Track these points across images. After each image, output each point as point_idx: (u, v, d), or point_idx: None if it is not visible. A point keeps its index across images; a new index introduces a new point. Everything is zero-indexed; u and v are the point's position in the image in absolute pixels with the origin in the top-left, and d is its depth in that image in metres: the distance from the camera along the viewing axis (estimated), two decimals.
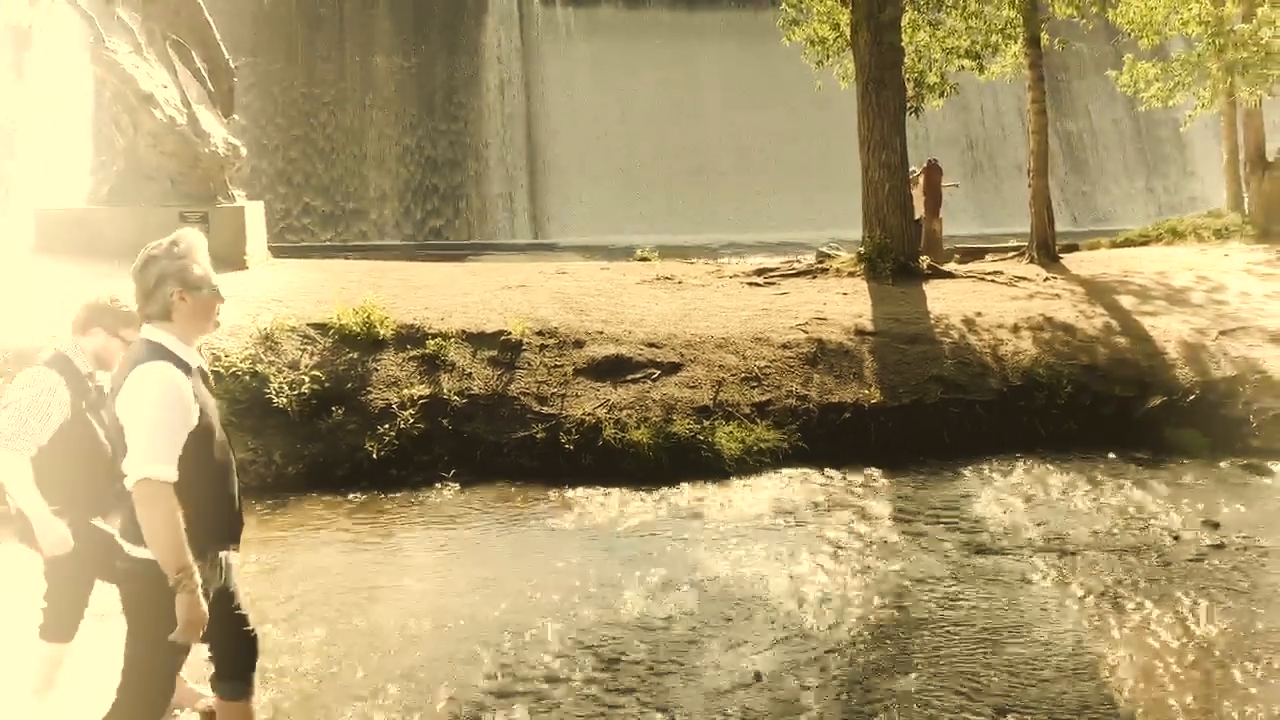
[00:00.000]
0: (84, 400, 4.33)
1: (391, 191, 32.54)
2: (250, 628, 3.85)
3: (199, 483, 3.43)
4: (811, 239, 22.96)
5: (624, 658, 5.19)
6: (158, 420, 3.30)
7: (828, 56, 14.84)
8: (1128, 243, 18.22)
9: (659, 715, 4.65)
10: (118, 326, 4.39)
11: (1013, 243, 18.79)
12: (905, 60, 13.56)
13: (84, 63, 12.60)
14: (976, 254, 18.49)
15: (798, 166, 32.80)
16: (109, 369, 4.44)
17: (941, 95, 15.11)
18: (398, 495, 7.78)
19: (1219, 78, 15.57)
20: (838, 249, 16.63)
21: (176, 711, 4.61)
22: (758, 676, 5.00)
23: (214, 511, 3.53)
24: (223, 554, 3.63)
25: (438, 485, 7.93)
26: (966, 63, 14.90)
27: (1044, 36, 14.91)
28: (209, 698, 4.61)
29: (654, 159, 33.96)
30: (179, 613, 3.31)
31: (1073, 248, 16.97)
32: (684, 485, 7.96)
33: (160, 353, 3.41)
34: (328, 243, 29.44)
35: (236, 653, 3.84)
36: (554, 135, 34.19)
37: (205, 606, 3.38)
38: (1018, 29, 14.59)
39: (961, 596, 5.97)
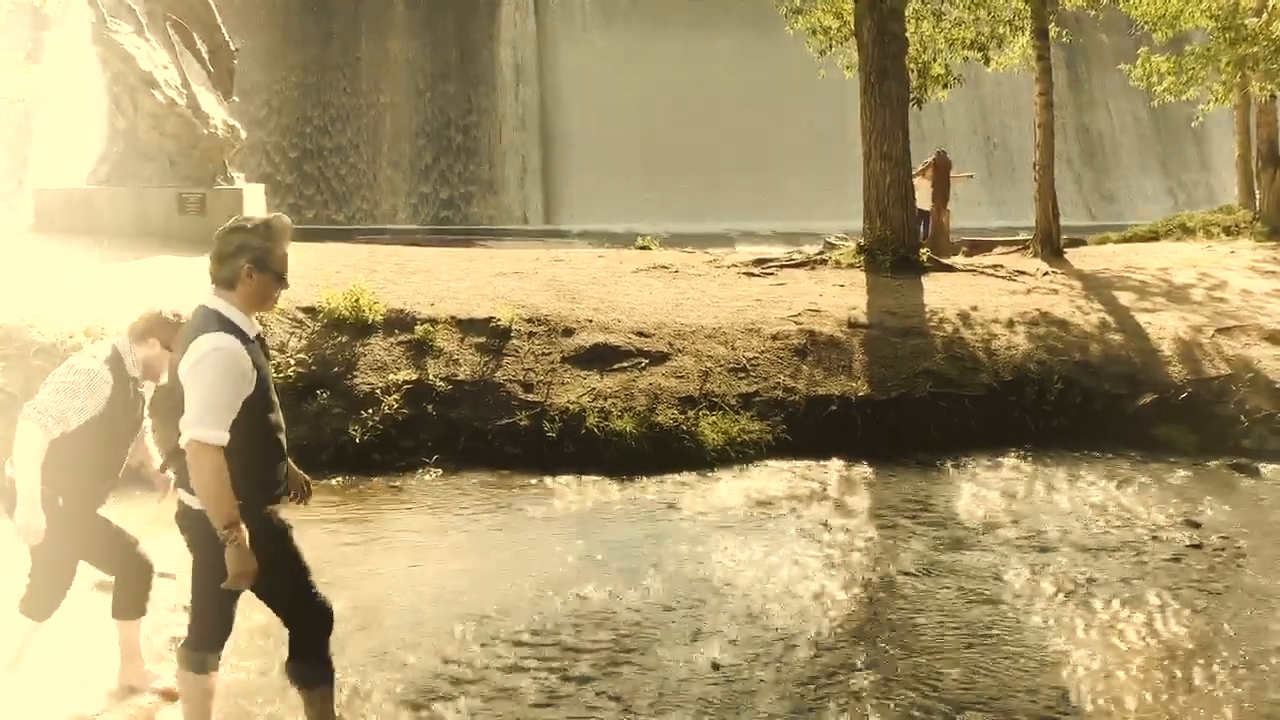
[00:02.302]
0: (121, 401, 4.35)
1: (403, 176, 32.58)
2: (322, 598, 3.93)
3: (255, 443, 3.63)
4: (827, 228, 22.79)
5: (585, 646, 5.20)
6: (214, 387, 3.49)
7: (831, 46, 14.73)
8: (1135, 238, 18.06)
9: (613, 704, 4.66)
10: (173, 341, 4.39)
11: (1023, 236, 18.65)
12: (909, 50, 13.44)
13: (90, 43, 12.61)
14: (985, 246, 18.40)
15: (813, 155, 32.60)
16: (155, 380, 4.49)
17: (945, 86, 14.98)
18: (380, 480, 7.80)
19: (1230, 72, 15.38)
20: (845, 239, 16.55)
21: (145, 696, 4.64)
22: (715, 667, 5.00)
23: (268, 470, 3.74)
24: (276, 508, 3.81)
25: (420, 471, 7.94)
26: (972, 54, 14.77)
27: (1053, 28, 14.77)
28: (163, 678, 4.65)
29: (668, 146, 33.83)
30: (229, 564, 3.53)
31: (1078, 242, 16.85)
32: (665, 475, 7.95)
33: (222, 323, 3.60)
34: (338, 226, 29.48)
35: (306, 623, 3.89)
36: (567, 121, 34.12)
37: (254, 559, 3.57)
38: (1025, 20, 14.45)
39: (930, 592, 5.95)
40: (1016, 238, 18.89)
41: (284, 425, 3.85)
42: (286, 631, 3.96)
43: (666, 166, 33.43)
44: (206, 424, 3.46)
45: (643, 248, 14.87)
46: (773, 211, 31.62)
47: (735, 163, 33.78)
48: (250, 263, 3.62)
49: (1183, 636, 5.41)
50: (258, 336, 3.73)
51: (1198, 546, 6.67)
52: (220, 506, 3.49)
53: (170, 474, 4.74)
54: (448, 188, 32.76)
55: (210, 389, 3.48)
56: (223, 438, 3.48)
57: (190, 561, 3.80)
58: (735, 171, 33.59)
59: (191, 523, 3.70)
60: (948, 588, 6.00)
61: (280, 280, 3.73)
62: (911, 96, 13.54)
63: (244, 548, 3.53)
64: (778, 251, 15.51)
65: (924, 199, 17.26)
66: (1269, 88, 15.57)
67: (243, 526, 3.53)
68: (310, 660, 3.90)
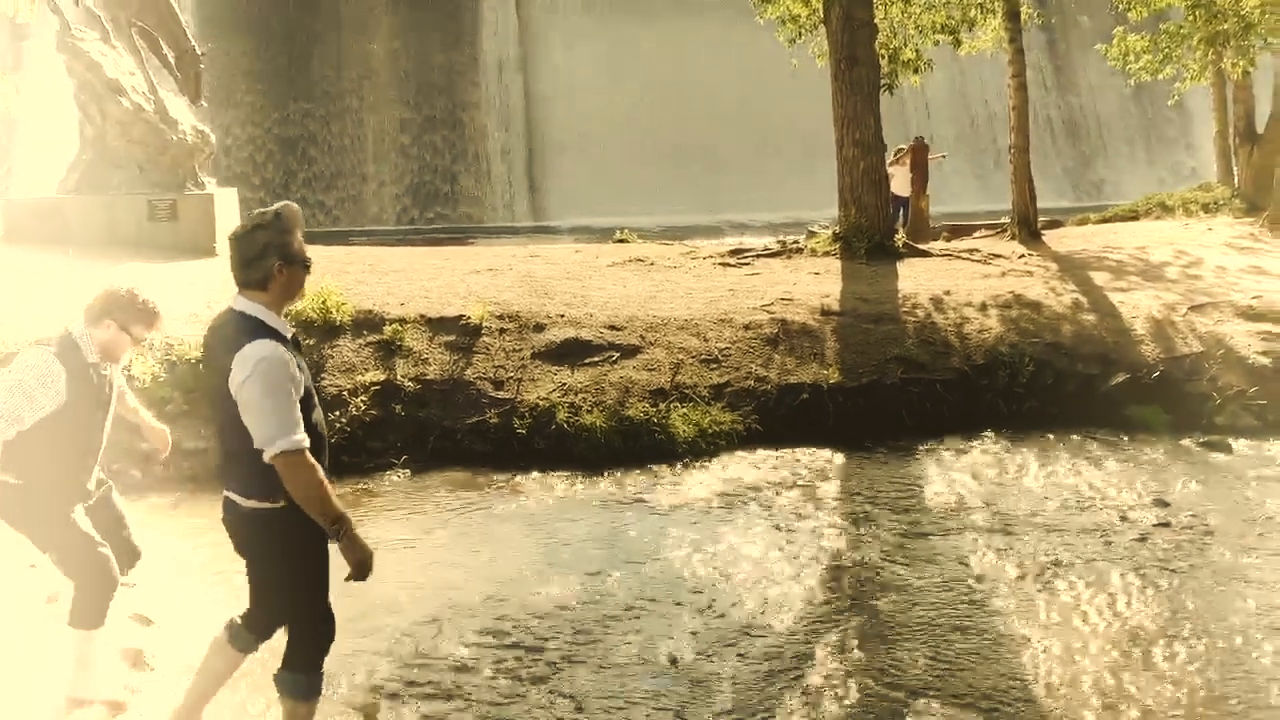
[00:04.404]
0: (83, 389, 4.24)
1: (389, 176, 32.48)
2: (331, 613, 3.91)
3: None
4: (816, 218, 22.80)
5: (543, 646, 5.16)
6: (274, 397, 3.47)
7: (800, 34, 14.68)
8: (1116, 218, 18.06)
9: (565, 703, 4.63)
10: (130, 322, 4.29)
11: (1005, 220, 18.62)
12: (879, 36, 13.40)
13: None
14: (966, 231, 18.41)
15: (802, 144, 32.51)
16: (115, 361, 4.40)
17: (917, 72, 14.94)
18: (348, 482, 7.74)
19: (1203, 49, 15.36)
20: (828, 227, 16.50)
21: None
22: (673, 663, 4.97)
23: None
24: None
25: (388, 472, 7.90)
26: (943, 38, 14.73)
27: (1025, 10, 14.74)
28: (114, 689, 4.61)
29: (656, 139, 33.73)
30: (346, 559, 3.60)
31: (1056, 224, 16.84)
32: (635, 469, 7.92)
33: (260, 329, 3.57)
34: (324, 229, 29.38)
35: (310, 634, 3.86)
36: (553, 116, 34.02)
37: (367, 546, 3.63)
38: (997, 2, 14.41)
39: (895, 579, 5.92)
40: (997, 221, 18.88)
41: (324, 423, 3.85)
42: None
43: (656, 159, 33.34)
44: (285, 432, 3.47)
45: (620, 241, 14.84)
46: (765, 202, 31.54)
47: (724, 153, 33.70)
48: (279, 259, 3.59)
49: (1146, 616, 5.39)
50: (293, 336, 3.73)
51: (1166, 525, 6.66)
52: (324, 506, 3.53)
53: (168, 430, 4.75)
54: (433, 188, 32.67)
55: (272, 400, 3.47)
56: (303, 441, 3.49)
57: (247, 565, 3.82)
58: (726, 163, 33.51)
59: (238, 521, 3.71)
60: (913, 574, 5.98)
61: (307, 268, 3.71)
62: (882, 83, 13.50)
63: (355, 539, 3.57)
64: (751, 242, 15.47)
65: (902, 185, 17.25)
66: (1241, 64, 15.55)
67: (349, 519, 3.58)
68: (304, 673, 3.87)
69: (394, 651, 5.08)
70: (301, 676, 3.86)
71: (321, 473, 3.55)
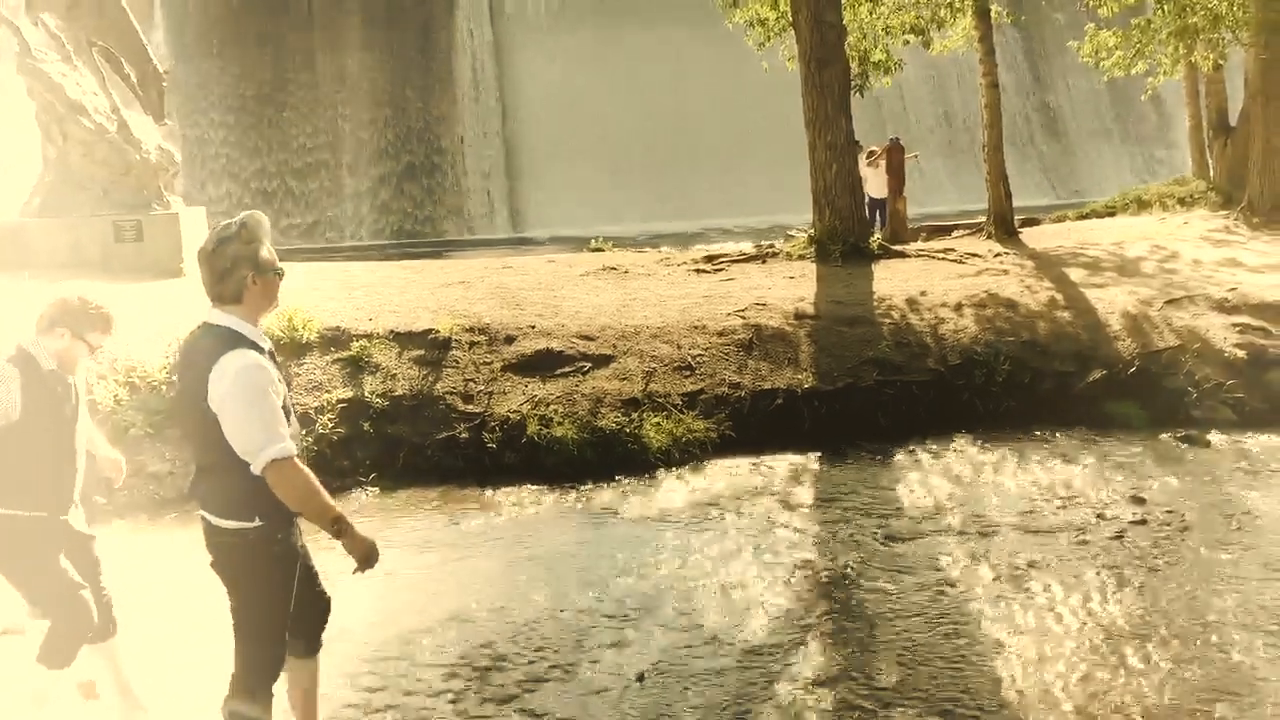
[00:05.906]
0: (43, 398, 4.12)
1: (366, 191, 32.36)
2: (284, 644, 3.85)
3: None
4: (796, 222, 22.72)
5: (508, 664, 5.04)
6: (261, 405, 3.42)
7: (769, 38, 14.62)
8: (1093, 214, 18.06)
9: None
10: (83, 329, 4.19)
11: (983, 219, 18.56)
12: (849, 38, 13.34)
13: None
14: (945, 231, 18.34)
15: (782, 148, 32.35)
16: (71, 371, 4.28)
17: (888, 73, 14.90)
18: None
19: (1173, 44, 15.37)
20: (805, 230, 16.39)
21: None
22: (640, 678, 4.85)
23: None
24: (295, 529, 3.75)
25: (356, 491, 7.78)
26: (912, 38, 14.68)
27: (995, 9, 14.71)
28: None
29: (634, 147, 33.68)
30: (352, 555, 3.55)
31: (1034, 221, 16.81)
32: (607, 480, 7.81)
33: (237, 339, 3.51)
34: (301, 246, 29.20)
35: (257, 661, 3.77)
36: (530, 128, 33.96)
37: (368, 541, 3.59)
38: (966, 2, 14.37)
39: (867, 586, 5.82)
40: (975, 221, 18.83)
41: (300, 436, 3.76)
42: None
43: (635, 167, 33.29)
44: (272, 441, 3.40)
45: (595, 250, 14.74)
46: (746, 208, 31.50)
47: (703, 160, 33.66)
48: (251, 269, 3.53)
49: (1121, 617, 5.30)
50: (269, 351, 3.63)
51: (1141, 523, 6.58)
52: (322, 508, 3.48)
53: (122, 458, 4.67)
54: (412, 206, 32.54)
55: (255, 409, 3.40)
56: (291, 448, 3.45)
57: (229, 595, 3.69)
58: (703, 169, 33.47)
59: (220, 543, 3.61)
60: (886, 580, 5.88)
61: (280, 275, 3.65)
62: (853, 84, 13.43)
63: (356, 534, 3.54)
64: (744, 247, 15.36)
65: (878, 187, 17.18)
66: (1211, 57, 15.56)
67: (346, 516, 3.53)
68: (252, 699, 3.73)
69: (356, 674, 4.95)
70: (244, 704, 3.72)
71: (313, 476, 3.49)
